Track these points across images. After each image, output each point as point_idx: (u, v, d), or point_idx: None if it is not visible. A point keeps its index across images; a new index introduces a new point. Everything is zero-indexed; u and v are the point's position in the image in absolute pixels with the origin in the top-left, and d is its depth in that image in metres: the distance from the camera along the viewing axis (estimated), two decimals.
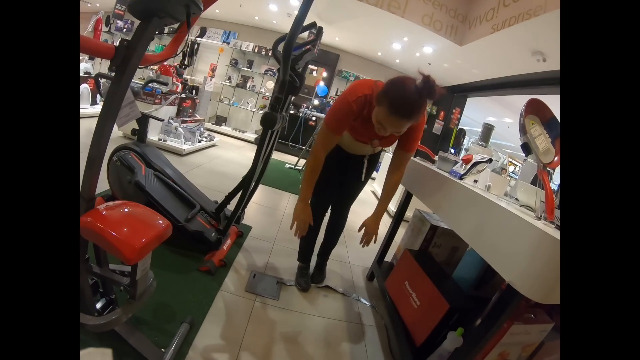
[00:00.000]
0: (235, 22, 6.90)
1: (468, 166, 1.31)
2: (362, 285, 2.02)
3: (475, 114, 7.53)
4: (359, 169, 1.64)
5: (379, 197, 1.53)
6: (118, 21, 6.82)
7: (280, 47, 1.42)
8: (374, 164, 1.69)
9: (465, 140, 4.95)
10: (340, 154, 1.60)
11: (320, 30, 1.81)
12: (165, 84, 2.78)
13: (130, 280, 0.98)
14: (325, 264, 1.97)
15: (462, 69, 4.96)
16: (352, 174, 1.68)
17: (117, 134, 3.94)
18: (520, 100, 1.12)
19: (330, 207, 1.82)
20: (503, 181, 1.41)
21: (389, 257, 2.08)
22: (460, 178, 1.30)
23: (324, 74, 6.84)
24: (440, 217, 1.41)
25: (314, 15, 4.77)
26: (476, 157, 1.32)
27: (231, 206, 1.94)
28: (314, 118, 6.11)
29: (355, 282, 2.03)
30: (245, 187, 1.82)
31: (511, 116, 6.82)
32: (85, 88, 4.45)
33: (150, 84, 3.65)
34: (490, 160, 1.34)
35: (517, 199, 1.33)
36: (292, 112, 6.22)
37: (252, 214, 2.69)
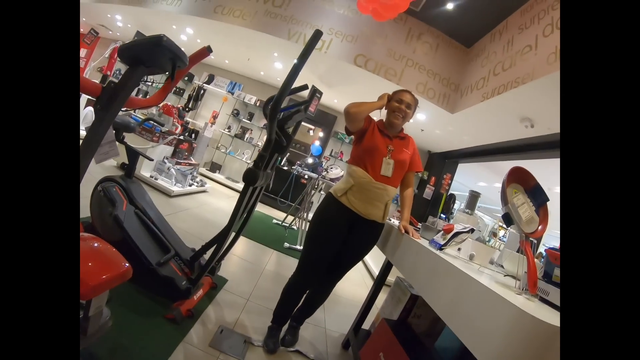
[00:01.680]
0: (242, 74, 7.28)
1: (449, 236, 1.28)
2: (337, 353, 1.88)
3: (466, 179, 7.70)
4: (364, 238, 1.63)
5: (401, 207, 1.72)
6: None
7: None
8: (377, 235, 1.67)
9: (455, 205, 4.97)
10: (349, 215, 1.56)
11: (314, 92, 1.86)
12: (162, 125, 2.83)
13: (82, 314, 0.95)
14: (299, 327, 1.84)
15: (454, 135, 5.14)
16: (354, 242, 1.62)
17: (112, 163, 3.94)
18: (510, 166, 1.14)
19: None
20: (487, 250, 1.38)
21: (367, 323, 1.96)
22: (440, 248, 1.26)
23: (321, 134, 7.05)
24: (417, 288, 1.35)
25: (315, 77, 5.05)
26: (457, 227, 1.30)
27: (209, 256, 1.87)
28: (305, 176, 6.06)
29: (329, 349, 1.89)
30: (220, 240, 1.76)
31: (501, 181, 6.95)
32: (89, 111, 4.44)
33: (150, 121, 3.73)
34: (472, 230, 1.31)
35: (502, 266, 1.29)
36: (285, 168, 6.23)
37: (231, 266, 2.59)
